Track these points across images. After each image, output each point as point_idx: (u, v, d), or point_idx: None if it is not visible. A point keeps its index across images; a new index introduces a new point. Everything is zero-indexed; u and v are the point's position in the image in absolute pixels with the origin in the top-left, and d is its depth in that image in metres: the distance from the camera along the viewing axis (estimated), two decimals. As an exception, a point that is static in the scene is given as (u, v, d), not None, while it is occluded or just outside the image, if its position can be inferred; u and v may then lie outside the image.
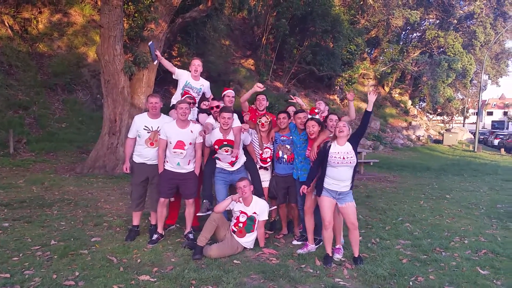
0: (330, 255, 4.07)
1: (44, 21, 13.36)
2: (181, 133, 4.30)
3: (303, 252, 4.28)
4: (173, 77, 5.28)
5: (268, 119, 4.85)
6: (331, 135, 4.09)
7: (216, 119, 4.62)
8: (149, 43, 5.38)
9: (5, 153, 9.23)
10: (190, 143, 4.35)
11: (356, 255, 4.06)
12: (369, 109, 4.07)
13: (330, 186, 3.95)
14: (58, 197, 6.43)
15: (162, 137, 4.36)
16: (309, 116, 4.35)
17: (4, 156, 9.08)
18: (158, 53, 5.32)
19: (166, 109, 5.10)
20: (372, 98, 4.09)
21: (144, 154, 4.47)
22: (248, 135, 4.77)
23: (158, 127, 4.43)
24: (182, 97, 4.96)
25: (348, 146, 3.94)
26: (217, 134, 4.49)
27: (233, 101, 5.07)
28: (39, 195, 6.44)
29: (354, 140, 4.00)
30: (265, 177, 4.94)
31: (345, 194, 3.97)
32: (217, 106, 4.64)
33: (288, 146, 4.71)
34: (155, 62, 5.06)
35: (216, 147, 4.48)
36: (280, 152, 4.76)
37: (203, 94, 5.34)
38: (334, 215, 4.09)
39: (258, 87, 4.88)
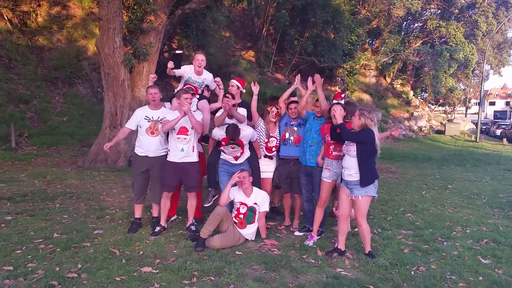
0: (343, 249, 4.03)
1: (43, 14, 13.29)
2: (184, 120, 4.31)
3: (310, 244, 4.28)
4: (176, 75, 5.22)
5: (278, 109, 4.87)
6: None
7: (229, 118, 4.65)
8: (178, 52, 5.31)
9: (7, 147, 9.24)
10: (193, 128, 4.38)
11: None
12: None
13: (343, 173, 3.95)
14: (61, 190, 6.44)
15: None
16: (335, 102, 4.20)
17: (6, 150, 9.10)
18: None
19: (167, 101, 5.09)
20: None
21: (144, 144, 4.48)
22: (255, 133, 4.79)
23: (159, 117, 4.46)
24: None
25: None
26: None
27: (236, 92, 5.03)
28: (42, 189, 6.45)
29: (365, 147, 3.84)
30: (270, 168, 4.97)
31: (352, 185, 3.83)
32: (233, 105, 4.62)
33: (296, 128, 4.76)
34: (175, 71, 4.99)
35: (223, 143, 4.54)
36: (287, 134, 4.78)
37: (207, 86, 5.33)
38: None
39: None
